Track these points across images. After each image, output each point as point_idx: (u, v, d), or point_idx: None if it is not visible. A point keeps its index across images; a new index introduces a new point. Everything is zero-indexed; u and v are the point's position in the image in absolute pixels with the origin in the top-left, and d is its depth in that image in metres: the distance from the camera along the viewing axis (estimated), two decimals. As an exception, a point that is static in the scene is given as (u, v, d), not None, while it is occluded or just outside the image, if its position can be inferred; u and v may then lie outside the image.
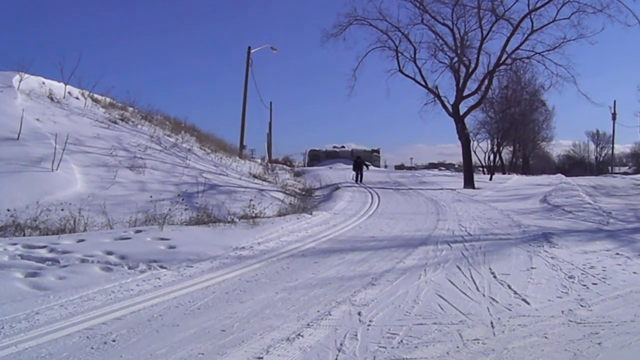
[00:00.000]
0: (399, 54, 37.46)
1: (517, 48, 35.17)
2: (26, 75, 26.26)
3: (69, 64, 53.98)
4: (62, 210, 13.66)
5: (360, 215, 19.38)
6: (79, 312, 7.35)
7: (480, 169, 65.29)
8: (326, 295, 8.21)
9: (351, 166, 39.86)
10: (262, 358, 5.56)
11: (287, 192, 26.67)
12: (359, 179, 36.14)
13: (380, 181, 36.61)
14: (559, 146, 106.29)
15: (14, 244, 10.94)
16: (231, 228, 14.53)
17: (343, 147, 70.10)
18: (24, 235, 12.45)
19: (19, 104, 22.33)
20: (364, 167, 37.35)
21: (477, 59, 36.22)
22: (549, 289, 8.37)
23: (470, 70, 36.63)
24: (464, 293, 8.15)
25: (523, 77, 47.73)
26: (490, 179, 45.31)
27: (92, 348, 5.92)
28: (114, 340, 6.17)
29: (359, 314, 7.12)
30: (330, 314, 7.14)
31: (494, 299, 7.76)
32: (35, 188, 15.53)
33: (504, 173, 62.04)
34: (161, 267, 10.13)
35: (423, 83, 37.73)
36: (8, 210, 12.97)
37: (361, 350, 5.72)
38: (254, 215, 16.31)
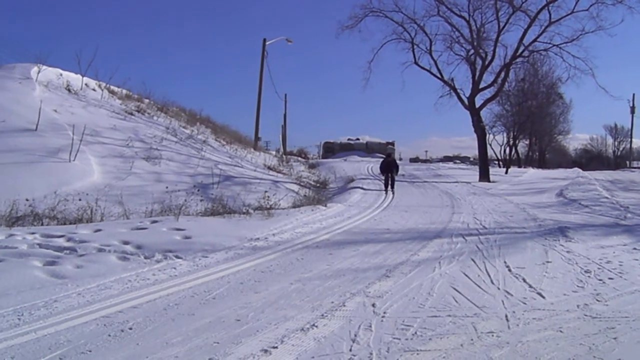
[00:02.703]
0: (415, 46, 37.34)
1: (535, 40, 34.97)
2: (44, 67, 26.50)
3: (86, 56, 54.34)
4: (80, 200, 13.81)
5: (374, 208, 19.39)
6: (96, 300, 7.45)
7: (496, 162, 64.91)
8: (340, 286, 8.23)
9: (366, 159, 38.03)
10: (276, 347, 5.60)
11: (302, 184, 26.72)
12: (389, 184, 25.66)
13: (395, 174, 36.53)
14: (576, 140, 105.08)
15: (33, 233, 11.09)
16: (246, 219, 14.60)
17: (358, 139, 69.88)
18: (42, 224, 12.59)
19: (37, 96, 22.53)
20: (395, 170, 26.26)
21: (494, 51, 36.06)
22: (565, 283, 8.33)
23: (487, 62, 36.44)
24: (479, 286, 8.14)
25: (540, 70, 47.47)
26: (506, 172, 45.12)
27: (109, 335, 5.99)
28: (130, 328, 6.24)
29: (373, 305, 7.14)
30: (344, 305, 7.17)
31: (508, 292, 7.74)
32: (53, 178, 15.67)
33: (519, 166, 61.77)
34: (177, 257, 10.22)
35: (439, 75, 37.62)
36: (27, 200, 13.13)
37: (375, 341, 5.75)
38: (268, 206, 16.38)
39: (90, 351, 5.53)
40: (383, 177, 26.36)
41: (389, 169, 26.03)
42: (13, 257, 9.32)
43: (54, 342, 5.76)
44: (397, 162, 30.51)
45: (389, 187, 25.40)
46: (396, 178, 26.24)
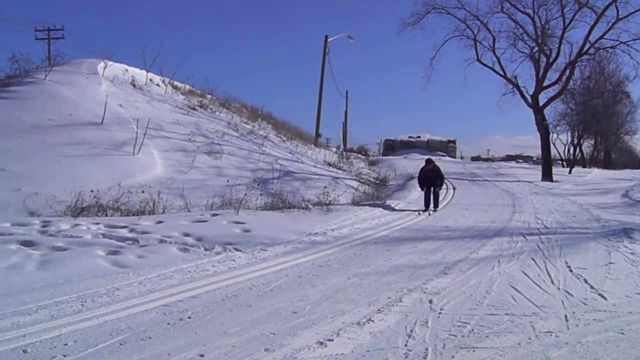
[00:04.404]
0: (478, 43, 37.00)
1: (601, 37, 34.07)
2: (110, 63, 27.16)
3: (151, 52, 55.40)
4: (142, 192, 14.08)
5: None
6: (157, 289, 7.59)
7: (560, 162, 63.57)
8: (398, 282, 8.19)
9: (427, 157, 36.14)
10: (332, 340, 5.60)
11: (362, 180, 26.69)
12: (431, 201, 18.56)
13: (455, 172, 36.07)
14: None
15: (97, 224, 11.38)
16: (305, 214, 14.67)
17: (419, 137, 69.40)
18: (106, 215, 12.91)
19: (103, 90, 23.09)
20: (439, 182, 18.97)
21: (559, 48, 35.33)
22: (628, 285, 8.09)
23: (551, 60, 35.74)
24: (538, 285, 7.98)
25: (607, 68, 46.00)
26: (570, 172, 44.20)
27: (169, 324, 6.09)
28: (189, 317, 6.34)
29: (430, 301, 7.08)
30: (401, 301, 7.13)
31: (569, 293, 7.56)
32: (117, 171, 16.02)
33: (584, 166, 60.37)
34: (236, 249, 10.34)
35: (502, 73, 37.14)
36: (92, 191, 13.45)
37: (431, 337, 5.69)
38: (328, 202, 16.41)
39: (149, 338, 5.63)
40: (423, 191, 18.87)
41: (431, 181, 18.75)
42: (78, 246, 9.59)
43: (115, 329, 5.90)
44: (441, 174, 19.33)
45: (433, 204, 18.55)
46: (454, 176, 25.15)
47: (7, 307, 6.53)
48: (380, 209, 17.00)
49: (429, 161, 19.67)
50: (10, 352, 5.25)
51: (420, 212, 17.37)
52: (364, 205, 17.44)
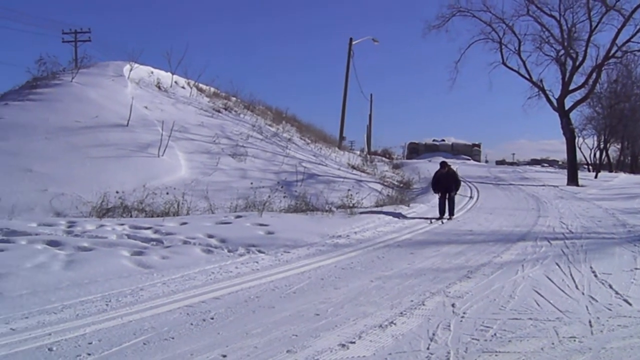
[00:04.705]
0: (503, 46, 36.66)
1: (629, 40, 33.51)
2: (136, 65, 27.37)
3: (176, 54, 55.80)
4: (167, 194, 14.18)
5: (458, 209, 19.10)
6: (180, 290, 7.65)
7: (585, 166, 62.93)
8: (420, 285, 8.17)
9: (451, 160, 35.31)
10: (354, 342, 5.60)
11: (385, 183, 26.61)
12: (445, 207, 17.11)
13: (480, 176, 35.89)
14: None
15: (122, 224, 11.50)
16: (328, 217, 14.68)
17: (443, 140, 69.02)
18: (130, 216, 13.02)
19: (129, 93, 23.29)
20: (454, 187, 17.47)
21: (585, 51, 34.83)
22: (655, 291, 8.01)
23: (578, 63, 35.29)
24: (562, 290, 7.91)
25: (634, 71, 45.36)
26: (596, 176, 43.68)
27: (192, 324, 6.13)
28: (212, 318, 6.37)
29: (453, 305, 7.05)
30: (423, 304, 7.11)
31: (593, 298, 7.48)
32: (142, 172, 16.14)
33: (610, 171, 59.59)
34: (259, 251, 10.37)
35: (527, 76, 36.78)
36: (117, 192, 13.58)
37: (453, 341, 5.67)
38: (351, 205, 16.40)
39: (173, 338, 5.67)
40: (438, 196, 17.47)
41: (446, 186, 17.32)
42: (103, 246, 9.69)
43: (139, 328, 5.95)
44: (458, 179, 18.07)
45: (448, 211, 17.08)
46: (479, 180, 24.63)
47: (34, 306, 6.63)
48: (404, 213, 16.97)
49: (443, 164, 18.22)
50: (36, 350, 5.31)
51: (433, 221, 16.10)
52: (376, 212, 17.38)
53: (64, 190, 13.47)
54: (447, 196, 17.12)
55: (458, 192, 18.16)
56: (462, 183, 18.91)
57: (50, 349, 5.32)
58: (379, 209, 17.49)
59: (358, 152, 45.12)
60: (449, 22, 36.59)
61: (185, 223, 12.14)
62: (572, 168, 35.55)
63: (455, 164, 30.81)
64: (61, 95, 21.18)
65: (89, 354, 5.21)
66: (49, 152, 15.88)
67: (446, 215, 16.86)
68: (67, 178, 14.35)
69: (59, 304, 6.75)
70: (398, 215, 16.31)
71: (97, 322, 6.11)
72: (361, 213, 15.66)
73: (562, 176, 37.36)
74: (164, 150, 18.08)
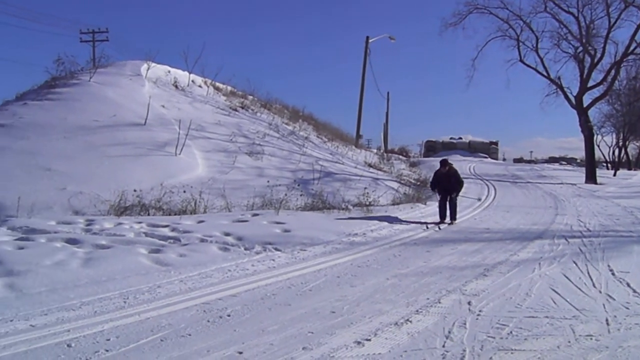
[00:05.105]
0: (520, 44, 36.46)
1: (648, 36, 33.27)
2: (153, 64, 27.48)
3: (193, 53, 56.06)
4: (184, 192, 14.25)
5: (475, 207, 19.09)
6: (197, 287, 7.71)
7: (604, 164, 62.50)
8: (437, 283, 8.17)
9: (468, 158, 34.40)
10: (369, 340, 5.62)
11: (402, 181, 26.53)
12: (446, 210, 15.51)
13: (497, 174, 35.74)
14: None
15: (139, 223, 11.59)
16: (345, 215, 14.68)
17: (460, 138, 68.83)
18: (148, 214, 13.11)
19: (146, 92, 23.39)
20: (456, 188, 15.77)
21: (604, 48, 34.57)
22: (673, 289, 7.95)
23: (596, 60, 34.99)
24: (579, 289, 7.87)
25: (654, 68, 45.12)
26: (614, 174, 43.39)
27: (208, 321, 6.18)
28: (229, 315, 6.42)
29: (469, 303, 7.05)
30: (439, 302, 7.11)
31: (610, 296, 7.44)
32: (160, 171, 16.21)
33: (629, 169, 59.18)
34: (276, 249, 10.42)
35: (545, 73, 36.53)
36: (134, 190, 13.67)
37: (469, 339, 5.67)
38: (368, 203, 16.42)
39: (189, 335, 5.72)
40: (438, 197, 16.00)
41: (447, 187, 15.70)
42: (121, 244, 9.78)
43: (156, 325, 6.00)
44: (460, 179, 16.28)
45: (449, 214, 15.48)
46: (496, 178, 24.14)
47: (53, 303, 6.72)
48: (421, 210, 16.94)
49: (443, 163, 16.35)
50: (55, 346, 5.38)
51: (428, 226, 14.41)
52: (405, 206, 17.33)
53: (83, 188, 13.57)
54: (445, 199, 15.55)
55: (461, 194, 16.74)
56: (465, 183, 17.19)
57: (69, 345, 5.39)
58: (395, 207, 17.48)
59: (375, 151, 45.04)
60: (465, 19, 36.45)
61: (202, 221, 12.21)
62: (590, 166, 35.28)
63: (473, 162, 30.18)
64: (79, 94, 21.32)
65: (107, 350, 5.27)
66: (67, 151, 15.99)
67: (447, 219, 15.27)
68: (86, 177, 14.44)
69: (77, 301, 6.83)
70: (418, 212, 16.27)
71: (115, 319, 6.18)
72: (378, 211, 15.61)
73: (580, 174, 37.13)
74: (181, 149, 18.15)
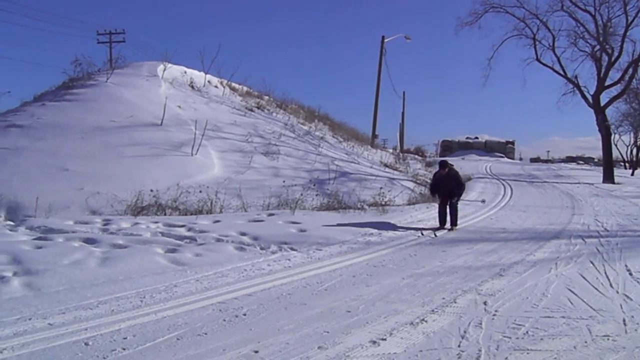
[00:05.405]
0: (537, 43, 36.28)
1: (667, 35, 32.99)
2: (169, 65, 27.65)
3: (209, 53, 56.39)
4: (200, 192, 14.32)
5: (491, 207, 19.00)
6: (213, 286, 7.74)
7: (622, 163, 61.99)
8: (452, 283, 8.15)
9: (484, 158, 33.78)
10: (385, 339, 5.62)
11: (418, 181, 26.47)
12: (446, 215, 14.24)
13: (514, 174, 35.55)
14: None
15: (156, 222, 11.67)
16: (360, 215, 14.72)
17: (476, 138, 68.72)
18: (164, 214, 13.19)
19: (163, 92, 23.53)
20: (456, 191, 14.38)
21: (621, 46, 34.26)
22: (692, 289, 7.88)
23: (613, 58, 34.68)
24: (596, 289, 7.82)
25: (672, 66, 44.70)
26: (632, 174, 43.10)
27: (224, 320, 6.21)
28: (244, 315, 6.44)
29: (485, 303, 7.02)
30: (455, 302, 7.10)
31: (628, 297, 7.39)
32: (176, 171, 16.29)
33: (648, 168, 58.66)
34: (291, 249, 10.45)
35: (562, 72, 36.30)
36: (151, 190, 13.74)
37: (485, 339, 5.66)
38: (383, 203, 16.39)
39: (205, 334, 5.76)
40: (438, 200, 14.73)
41: (447, 190, 14.39)
42: (137, 244, 9.85)
43: (173, 324, 6.04)
44: (461, 182, 15.17)
45: (450, 219, 14.22)
46: (512, 177, 23.72)
47: (70, 302, 6.78)
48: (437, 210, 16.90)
49: (443, 164, 15.08)
50: (72, 344, 5.43)
51: (423, 233, 13.14)
52: (421, 206, 17.27)
53: (100, 188, 13.66)
54: (445, 203, 14.31)
55: (462, 198, 15.54)
56: (466, 186, 16.68)
57: (86, 344, 5.43)
58: (411, 207, 17.46)
59: (391, 150, 44.98)
60: (481, 18, 36.35)
61: (218, 221, 12.27)
62: (607, 165, 35.02)
63: (489, 161, 29.86)
64: (96, 95, 21.48)
65: (124, 349, 5.31)
66: (84, 152, 16.10)
67: (447, 225, 14.07)
68: (103, 177, 14.54)
69: (94, 300, 6.88)
70: (434, 212, 16.22)
71: (132, 318, 6.22)
72: (393, 211, 15.57)
73: (598, 174, 36.87)
74: (197, 149, 18.22)
